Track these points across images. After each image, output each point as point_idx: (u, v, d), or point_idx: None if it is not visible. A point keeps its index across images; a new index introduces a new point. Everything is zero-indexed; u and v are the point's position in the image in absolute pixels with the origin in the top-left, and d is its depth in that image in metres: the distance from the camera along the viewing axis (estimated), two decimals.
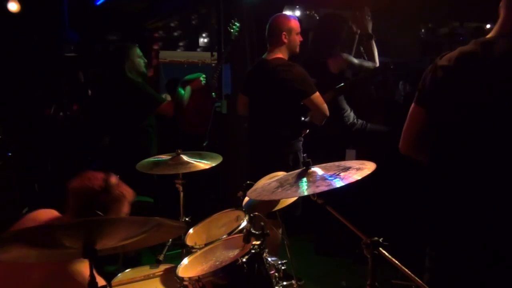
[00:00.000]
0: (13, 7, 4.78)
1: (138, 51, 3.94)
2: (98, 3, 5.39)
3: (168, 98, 4.83)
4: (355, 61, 3.97)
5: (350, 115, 4.07)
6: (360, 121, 4.09)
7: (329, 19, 4.25)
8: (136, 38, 5.51)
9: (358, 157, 3.98)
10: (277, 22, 3.36)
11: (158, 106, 3.85)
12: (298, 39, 3.38)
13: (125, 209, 1.94)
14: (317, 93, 3.26)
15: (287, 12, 4.69)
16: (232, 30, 4.23)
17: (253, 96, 3.55)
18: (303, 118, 3.47)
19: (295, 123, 3.40)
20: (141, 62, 3.92)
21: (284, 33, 3.31)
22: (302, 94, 3.25)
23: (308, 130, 3.50)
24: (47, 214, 1.92)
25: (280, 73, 3.28)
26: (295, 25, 3.37)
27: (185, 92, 3.95)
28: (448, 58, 1.72)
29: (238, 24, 4.23)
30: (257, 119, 3.53)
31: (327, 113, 3.31)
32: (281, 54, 3.34)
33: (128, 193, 1.94)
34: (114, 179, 1.91)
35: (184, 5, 5.65)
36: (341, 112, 4.01)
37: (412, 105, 1.84)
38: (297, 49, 3.41)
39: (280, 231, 2.75)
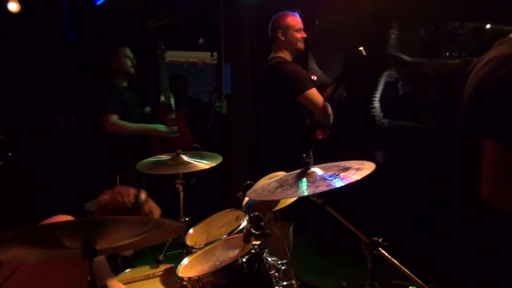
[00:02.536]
0: (13, 7, 4.78)
1: (127, 51, 3.92)
2: (98, 3, 5.39)
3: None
4: (406, 57, 3.78)
5: (380, 114, 3.92)
6: (387, 120, 3.95)
7: (382, 18, 4.09)
8: (136, 38, 5.51)
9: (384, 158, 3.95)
10: (273, 21, 3.32)
11: (101, 114, 3.75)
12: (298, 35, 3.27)
13: None
14: (311, 90, 3.14)
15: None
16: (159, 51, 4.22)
17: (259, 98, 3.57)
18: (307, 122, 3.36)
19: (294, 123, 3.30)
20: (127, 62, 3.89)
21: (280, 31, 3.25)
22: (294, 92, 3.15)
23: (323, 133, 3.40)
24: (64, 219, 1.90)
25: (272, 74, 3.26)
26: (292, 21, 3.27)
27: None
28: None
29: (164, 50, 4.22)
30: (260, 122, 3.52)
31: (324, 109, 3.16)
32: (280, 53, 3.29)
33: (156, 210, 1.95)
34: (144, 195, 1.91)
35: (184, 5, 5.65)
36: (371, 110, 3.89)
37: None
38: (299, 46, 3.29)
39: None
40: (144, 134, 3.94)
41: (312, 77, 3.36)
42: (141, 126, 3.92)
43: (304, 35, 3.31)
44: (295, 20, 3.29)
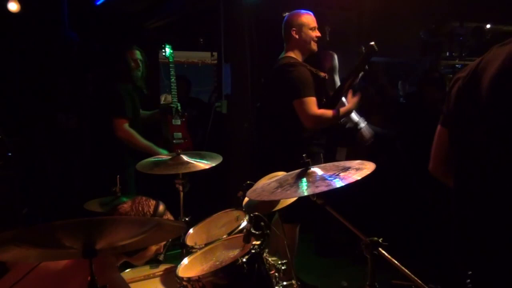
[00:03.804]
0: (13, 7, 4.78)
1: (137, 53, 3.78)
2: (98, 3, 5.39)
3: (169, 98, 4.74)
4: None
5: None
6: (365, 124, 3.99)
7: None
8: (136, 38, 5.51)
9: (348, 156, 3.96)
10: (287, 18, 3.22)
11: (112, 117, 3.58)
12: (313, 34, 3.16)
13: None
14: (308, 98, 3.00)
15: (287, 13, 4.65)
16: (164, 53, 4.13)
17: (263, 98, 3.50)
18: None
19: (300, 126, 3.15)
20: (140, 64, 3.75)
21: (294, 29, 3.15)
22: (292, 94, 3.05)
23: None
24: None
25: (280, 75, 3.16)
26: (307, 20, 3.17)
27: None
28: (466, 68, 1.64)
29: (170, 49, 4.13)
30: (265, 122, 3.45)
31: (311, 122, 3.04)
32: (292, 52, 3.19)
33: None
34: (162, 207, 1.92)
35: (184, 5, 5.65)
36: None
37: (438, 126, 1.78)
38: (312, 46, 3.19)
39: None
40: (148, 152, 3.68)
41: (323, 75, 3.26)
42: (150, 146, 3.71)
43: (319, 35, 3.22)
44: (309, 18, 3.19)
